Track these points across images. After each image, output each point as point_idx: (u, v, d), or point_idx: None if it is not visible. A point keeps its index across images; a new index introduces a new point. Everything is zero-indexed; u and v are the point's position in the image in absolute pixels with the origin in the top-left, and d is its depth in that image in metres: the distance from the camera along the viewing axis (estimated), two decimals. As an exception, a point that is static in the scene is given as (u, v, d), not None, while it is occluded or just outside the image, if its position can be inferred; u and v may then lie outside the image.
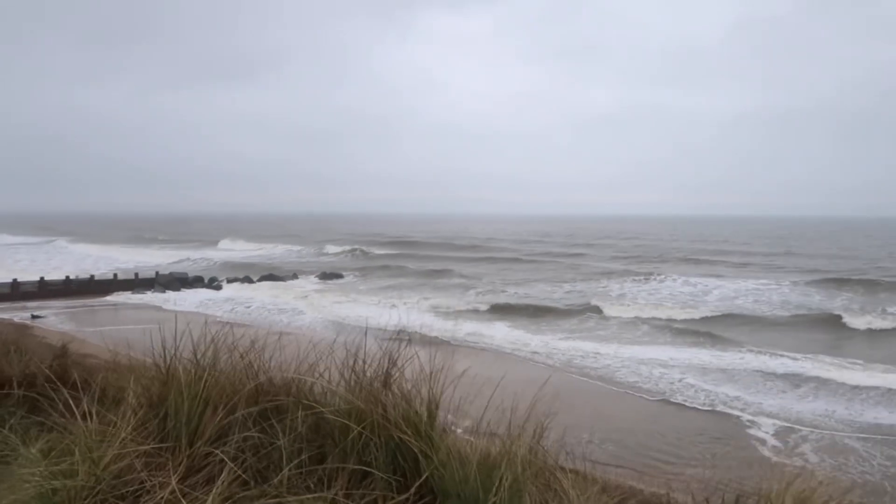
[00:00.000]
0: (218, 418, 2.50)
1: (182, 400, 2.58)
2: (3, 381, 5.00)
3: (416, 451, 2.33)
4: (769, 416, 17.33)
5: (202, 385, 2.60)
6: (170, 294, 41.72)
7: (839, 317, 31.53)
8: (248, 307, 35.84)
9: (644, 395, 19.41)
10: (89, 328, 28.25)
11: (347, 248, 79.28)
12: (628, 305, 35.68)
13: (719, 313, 33.52)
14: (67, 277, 41.77)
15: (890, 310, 32.86)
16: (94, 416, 2.71)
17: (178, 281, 45.48)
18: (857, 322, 30.67)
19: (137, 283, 43.32)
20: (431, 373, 2.55)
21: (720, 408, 18.37)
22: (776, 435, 15.62)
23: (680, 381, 21.35)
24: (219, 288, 44.57)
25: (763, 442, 15.19)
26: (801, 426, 16.51)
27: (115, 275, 44.54)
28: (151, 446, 2.47)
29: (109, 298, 39.75)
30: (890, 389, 20.17)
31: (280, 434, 2.46)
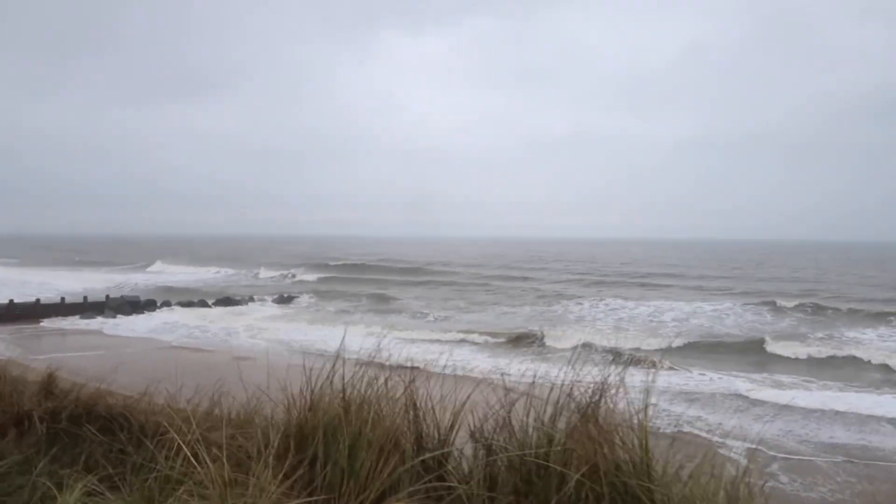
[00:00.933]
0: (391, 466, 2.13)
1: (340, 443, 2.18)
2: (18, 417, 4.64)
3: (643, 497, 2.06)
4: (735, 437, 17.69)
5: (364, 426, 2.22)
6: (120, 318, 40.33)
7: (790, 338, 32.59)
8: (206, 332, 34.87)
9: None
10: (41, 355, 26.96)
11: (291, 271, 77.71)
12: (584, 328, 36.13)
13: (676, 335, 34.19)
14: (11, 301, 39.93)
15: (838, 331, 34.18)
16: (225, 463, 2.25)
17: (129, 305, 43.94)
18: (805, 345, 31.70)
19: (87, 307, 41.74)
20: (646, 406, 2.36)
21: (686, 428, 18.70)
22: (747, 455, 15.94)
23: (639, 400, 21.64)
24: (172, 312, 43.33)
25: (736, 463, 15.48)
26: (765, 447, 16.88)
27: (63, 298, 42.78)
28: (303, 501, 2.09)
29: (55, 324, 38.08)
30: (838, 412, 20.82)
31: (454, 481, 2.15)
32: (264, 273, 78.18)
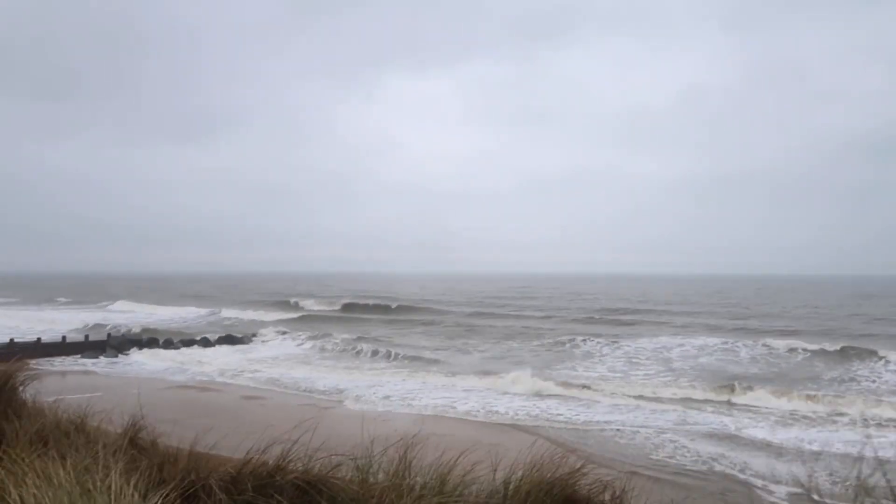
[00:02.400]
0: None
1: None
2: (186, 485, 4.36)
3: None
4: (757, 475, 17.53)
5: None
6: (122, 358, 39.68)
7: (809, 376, 32.62)
8: (212, 371, 34.32)
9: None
10: (49, 398, 26.28)
11: (287, 315, 73.85)
12: (603, 377, 35.98)
13: (688, 370, 34.19)
14: (12, 340, 39.24)
15: (851, 369, 34.16)
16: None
17: (131, 342, 43.35)
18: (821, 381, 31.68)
19: (88, 346, 41.05)
20: None
21: (717, 467, 18.52)
22: (787, 500, 15.78)
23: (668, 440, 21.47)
24: (176, 351, 42.67)
25: (780, 506, 15.34)
26: (799, 488, 16.65)
27: (64, 337, 42.14)
28: None
29: (44, 364, 36.99)
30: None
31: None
32: (244, 312, 73.27)
